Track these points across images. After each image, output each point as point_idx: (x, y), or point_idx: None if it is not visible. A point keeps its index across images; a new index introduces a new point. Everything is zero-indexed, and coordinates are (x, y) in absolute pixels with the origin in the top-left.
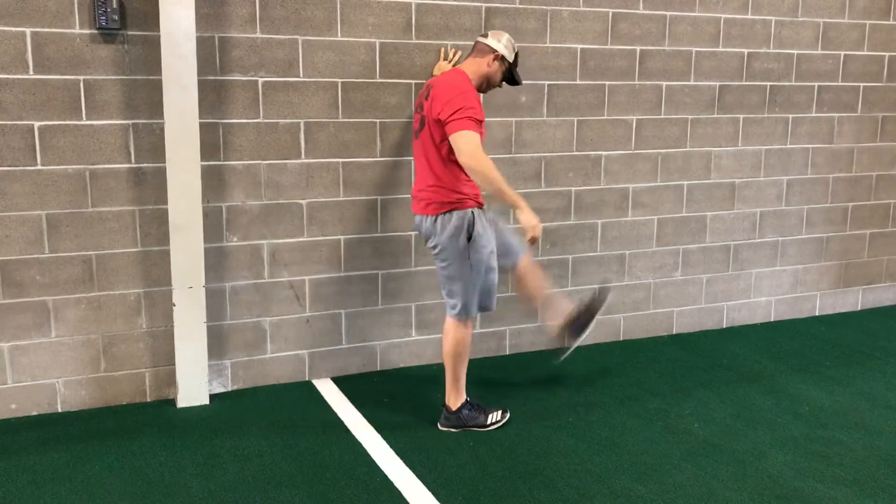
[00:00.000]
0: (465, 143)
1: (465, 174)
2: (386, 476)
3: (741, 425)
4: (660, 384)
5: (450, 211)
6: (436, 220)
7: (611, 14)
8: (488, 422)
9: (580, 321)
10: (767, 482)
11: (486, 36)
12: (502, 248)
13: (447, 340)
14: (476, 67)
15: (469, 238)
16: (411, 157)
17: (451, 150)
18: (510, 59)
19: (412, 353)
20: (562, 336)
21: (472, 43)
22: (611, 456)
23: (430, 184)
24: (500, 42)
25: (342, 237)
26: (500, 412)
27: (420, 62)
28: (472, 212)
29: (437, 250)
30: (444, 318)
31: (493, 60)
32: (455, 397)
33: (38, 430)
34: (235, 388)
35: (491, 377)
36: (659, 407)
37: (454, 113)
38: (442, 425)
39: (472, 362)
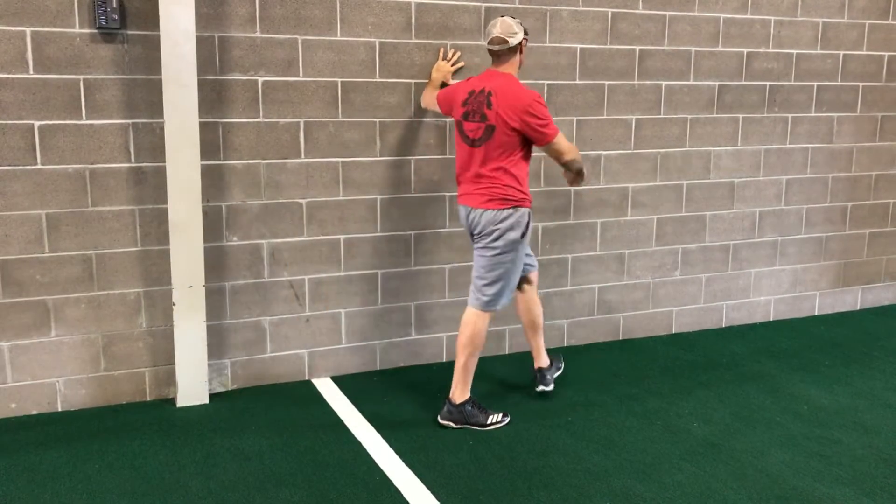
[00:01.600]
0: (566, 145)
1: (526, 176)
2: (385, 475)
3: (740, 424)
4: (659, 383)
5: (514, 207)
6: (500, 213)
7: (610, 14)
8: (488, 422)
9: (548, 373)
10: (766, 481)
11: (503, 42)
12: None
13: (466, 331)
14: (514, 68)
15: (523, 235)
16: (411, 157)
17: (527, 153)
18: (526, 34)
19: (412, 353)
20: (537, 376)
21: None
22: (610, 455)
23: (504, 182)
24: (517, 34)
25: (342, 236)
26: (500, 414)
27: (420, 62)
28: (529, 212)
29: (491, 240)
30: (466, 309)
31: (522, 48)
32: (461, 391)
33: (37, 429)
34: (235, 387)
35: (491, 377)
36: (658, 406)
37: (544, 126)
38: (443, 418)
39: None
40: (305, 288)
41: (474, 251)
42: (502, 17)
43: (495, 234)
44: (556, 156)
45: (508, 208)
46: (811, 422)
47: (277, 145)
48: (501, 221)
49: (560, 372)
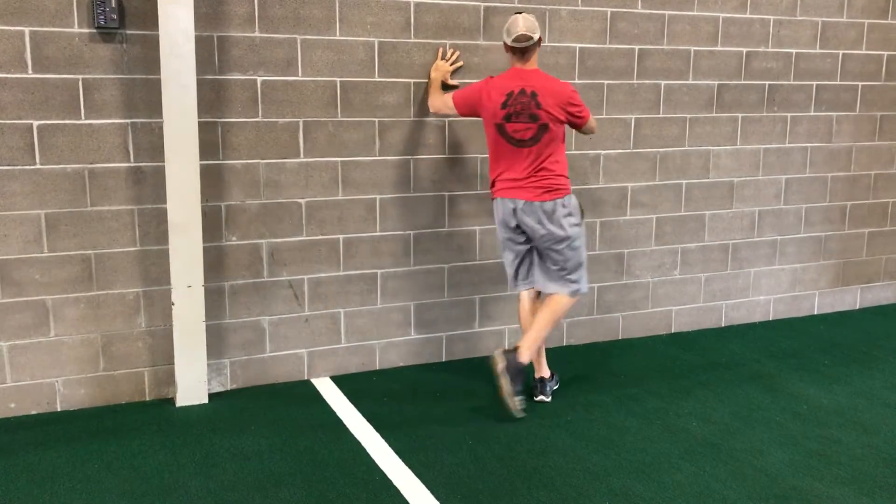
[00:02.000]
0: (594, 122)
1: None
2: (385, 475)
3: (740, 424)
4: (658, 383)
5: (566, 195)
6: (559, 202)
7: (609, 13)
8: (508, 390)
9: (549, 383)
10: (766, 481)
11: (530, 38)
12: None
13: (555, 306)
14: (537, 62)
15: (581, 216)
16: (410, 157)
17: (564, 136)
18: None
19: (411, 353)
20: (538, 385)
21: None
22: (609, 455)
23: (557, 173)
24: (537, 31)
25: (341, 236)
26: (518, 399)
27: (419, 61)
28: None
29: (563, 233)
30: (549, 296)
31: (541, 42)
32: (528, 353)
33: (37, 429)
34: (234, 387)
35: (491, 376)
36: (657, 406)
37: (582, 111)
38: (502, 354)
39: (472, 361)
40: (305, 288)
41: (538, 249)
42: (519, 13)
43: (563, 225)
44: (590, 133)
45: (563, 197)
46: (810, 421)
47: (276, 145)
48: (563, 209)
49: (557, 387)
